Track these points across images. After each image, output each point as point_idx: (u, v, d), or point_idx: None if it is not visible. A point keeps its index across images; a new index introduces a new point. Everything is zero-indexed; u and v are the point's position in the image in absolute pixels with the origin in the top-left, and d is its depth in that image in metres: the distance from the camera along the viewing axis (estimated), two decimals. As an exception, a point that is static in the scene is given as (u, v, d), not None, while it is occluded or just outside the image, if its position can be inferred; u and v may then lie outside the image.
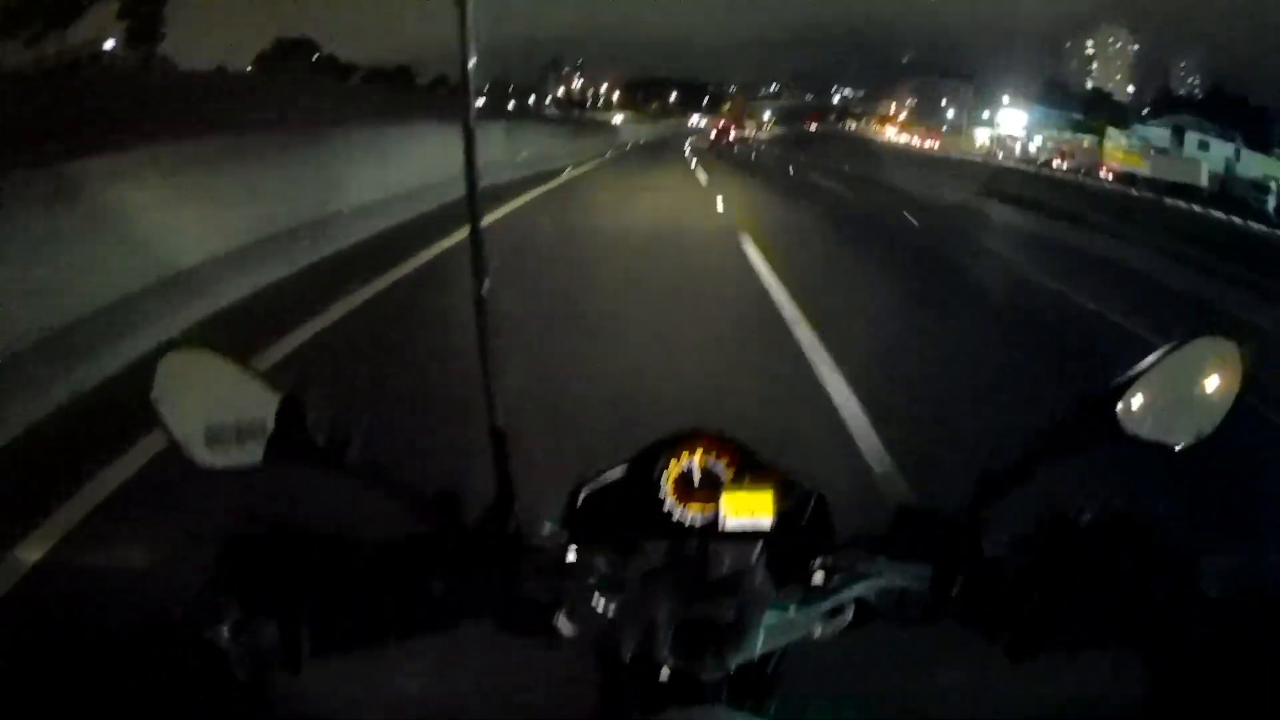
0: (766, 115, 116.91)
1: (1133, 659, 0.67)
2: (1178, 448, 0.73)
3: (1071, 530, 0.72)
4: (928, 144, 60.55)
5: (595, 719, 0.80)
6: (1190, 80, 78.90)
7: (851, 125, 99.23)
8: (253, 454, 0.74)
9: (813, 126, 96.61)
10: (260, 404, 0.73)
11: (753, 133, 47.94)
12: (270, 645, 0.68)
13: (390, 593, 0.74)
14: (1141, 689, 0.65)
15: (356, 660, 0.74)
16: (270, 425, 0.73)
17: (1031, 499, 0.75)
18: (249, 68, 59.78)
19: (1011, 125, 61.88)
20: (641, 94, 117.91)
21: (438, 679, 2.18)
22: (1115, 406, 0.71)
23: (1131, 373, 0.72)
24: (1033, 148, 56.37)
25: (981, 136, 64.97)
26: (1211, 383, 0.72)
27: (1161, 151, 41.31)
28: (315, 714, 0.76)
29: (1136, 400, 0.71)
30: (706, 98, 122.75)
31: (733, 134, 46.41)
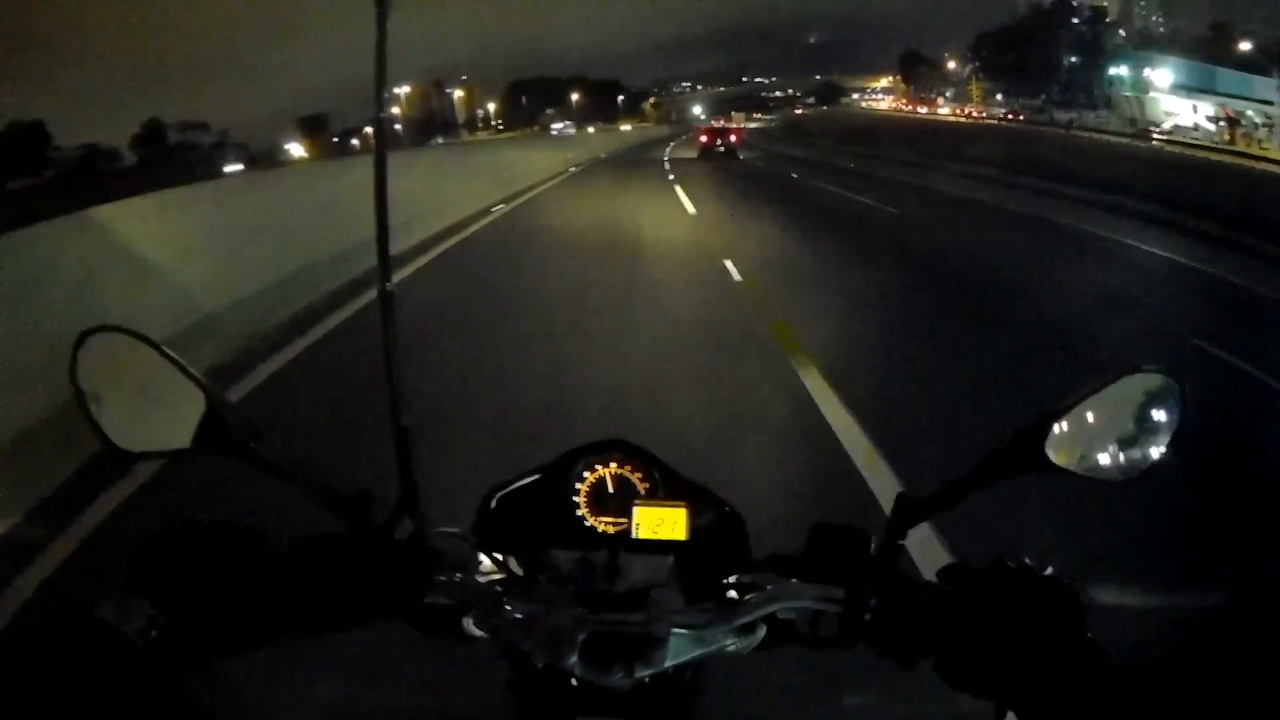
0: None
1: (1031, 705, 0.65)
2: (1109, 479, 0.70)
3: (979, 575, 0.71)
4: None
5: (500, 717, 0.79)
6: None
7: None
8: (177, 441, 0.72)
9: (798, 111, 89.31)
10: (186, 391, 0.71)
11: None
12: (184, 644, 0.66)
13: (303, 592, 0.73)
14: None
15: (269, 659, 0.72)
16: (197, 413, 0.71)
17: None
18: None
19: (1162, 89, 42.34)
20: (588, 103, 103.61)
21: (350, 677, 2.16)
22: (1043, 437, 0.69)
23: (1063, 402, 0.70)
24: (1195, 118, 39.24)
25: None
26: (1146, 419, 0.70)
27: None
28: (229, 712, 0.74)
29: (1066, 431, 0.70)
30: (621, 97, 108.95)
31: (717, 138, 34.36)
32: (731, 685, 0.85)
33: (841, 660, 0.77)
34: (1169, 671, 0.61)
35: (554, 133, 64.59)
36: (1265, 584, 2.68)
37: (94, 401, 0.71)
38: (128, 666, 0.63)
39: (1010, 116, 49.97)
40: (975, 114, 54.94)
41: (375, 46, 0.79)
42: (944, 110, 62.84)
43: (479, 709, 0.90)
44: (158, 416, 0.72)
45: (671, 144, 46.68)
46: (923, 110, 65.10)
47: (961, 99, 65.98)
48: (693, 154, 33.82)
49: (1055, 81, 52.16)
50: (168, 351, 0.71)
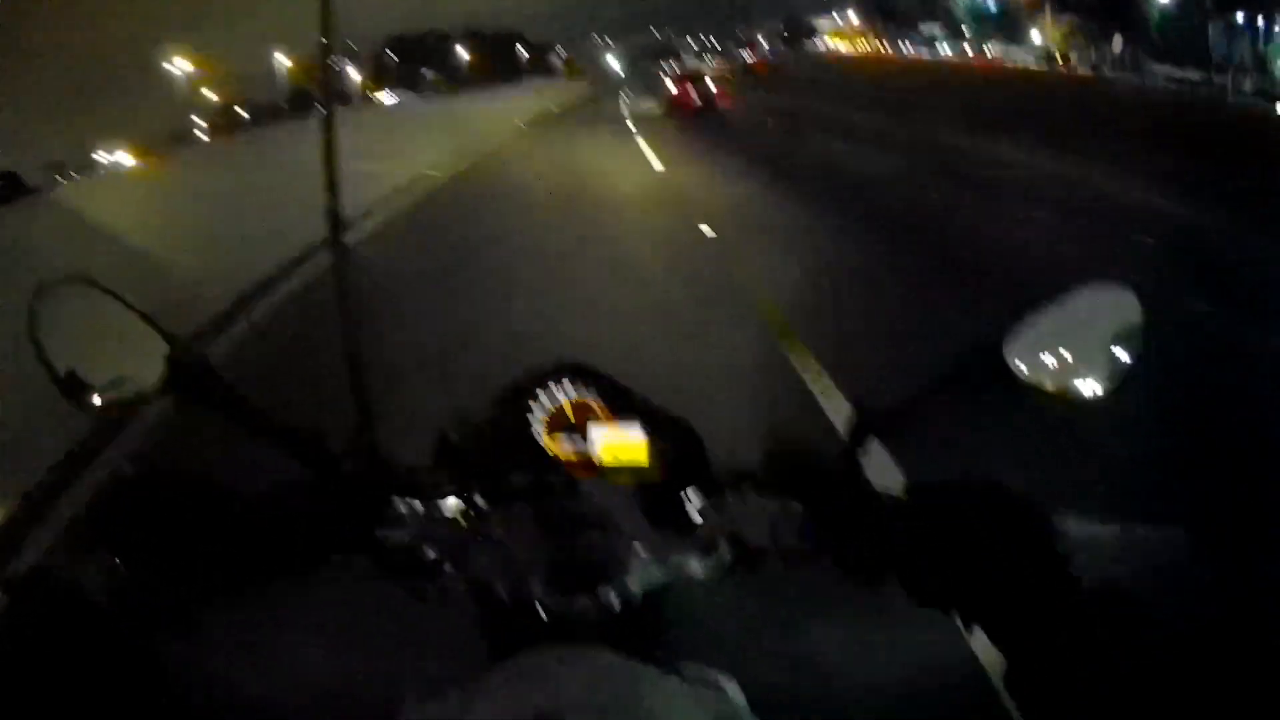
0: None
1: (997, 620, 0.65)
2: (1075, 396, 0.69)
3: (945, 490, 0.70)
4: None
5: (474, 658, 0.79)
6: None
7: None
8: (139, 389, 0.70)
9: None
10: (147, 339, 0.70)
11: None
12: (148, 598, 0.64)
13: (263, 534, 0.71)
14: (1003, 649, 0.64)
15: (234, 611, 0.70)
16: (159, 360, 0.70)
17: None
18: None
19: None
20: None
21: (318, 623, 2.13)
22: (1004, 348, 0.69)
23: (1023, 315, 0.69)
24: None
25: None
26: (1110, 334, 0.69)
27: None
28: (196, 671, 0.72)
29: (1027, 344, 0.69)
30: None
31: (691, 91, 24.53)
32: (701, 611, 0.85)
33: (811, 583, 0.77)
34: (1136, 589, 0.62)
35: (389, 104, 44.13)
36: (1232, 514, 2.73)
37: (55, 353, 0.69)
38: (93, 630, 0.61)
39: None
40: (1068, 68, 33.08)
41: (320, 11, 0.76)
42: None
43: (451, 650, 0.90)
44: (120, 365, 0.70)
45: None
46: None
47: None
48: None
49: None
50: (127, 300, 0.70)
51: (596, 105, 34.11)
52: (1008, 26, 42.42)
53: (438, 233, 9.04)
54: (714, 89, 25.52)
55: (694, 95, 24.70)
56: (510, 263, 7.28)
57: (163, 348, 0.70)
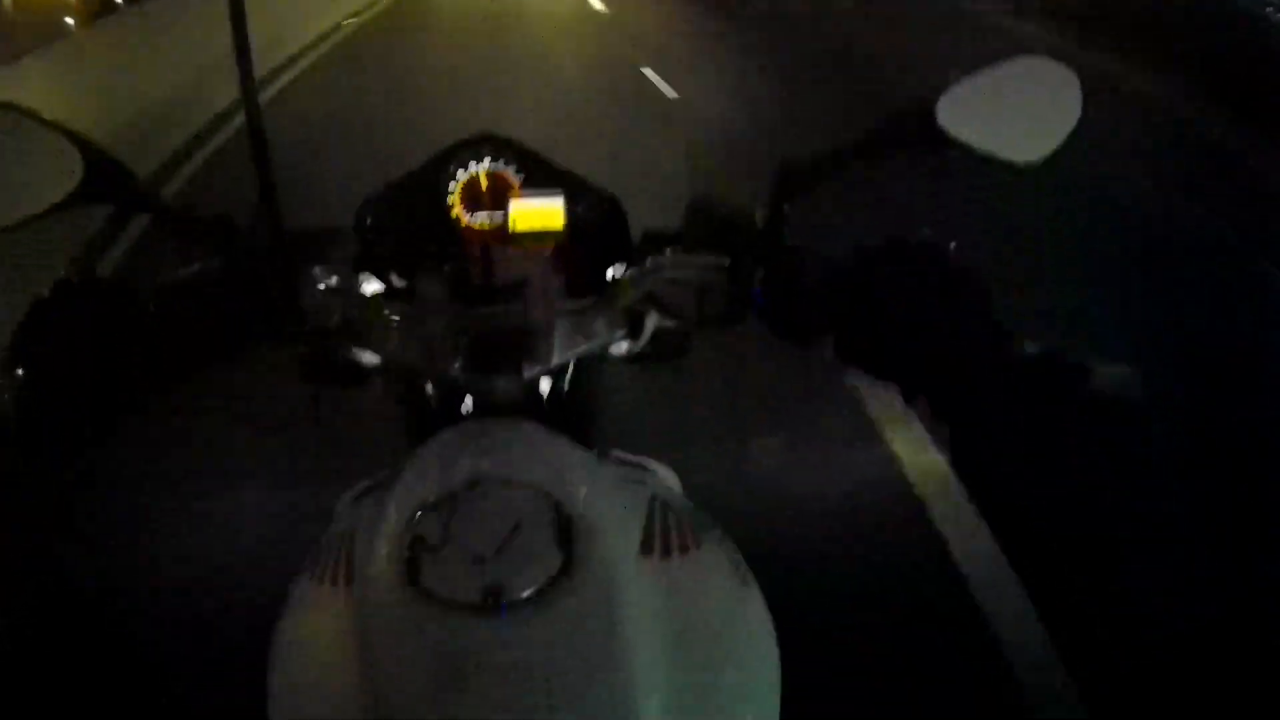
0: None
1: (938, 391, 0.64)
2: (1005, 160, 0.67)
3: (877, 248, 0.68)
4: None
5: (401, 439, 0.78)
6: None
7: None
8: (56, 198, 0.63)
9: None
10: (61, 149, 0.63)
11: None
12: (57, 418, 0.61)
13: (175, 336, 0.67)
14: (947, 420, 0.63)
15: (157, 415, 0.67)
16: (75, 169, 0.63)
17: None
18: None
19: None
20: None
21: (239, 415, 2.15)
22: (934, 105, 0.65)
23: (956, 75, 0.66)
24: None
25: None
26: (1045, 104, 0.68)
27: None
28: (116, 486, 0.69)
29: (958, 102, 0.66)
30: None
31: None
32: (633, 403, 0.84)
33: (741, 354, 0.77)
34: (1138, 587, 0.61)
35: None
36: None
37: None
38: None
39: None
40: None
41: None
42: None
43: (371, 428, 0.89)
44: (35, 180, 0.64)
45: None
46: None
47: None
48: None
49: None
50: (34, 112, 0.63)
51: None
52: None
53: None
54: None
55: None
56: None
57: (76, 155, 0.63)
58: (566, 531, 0.53)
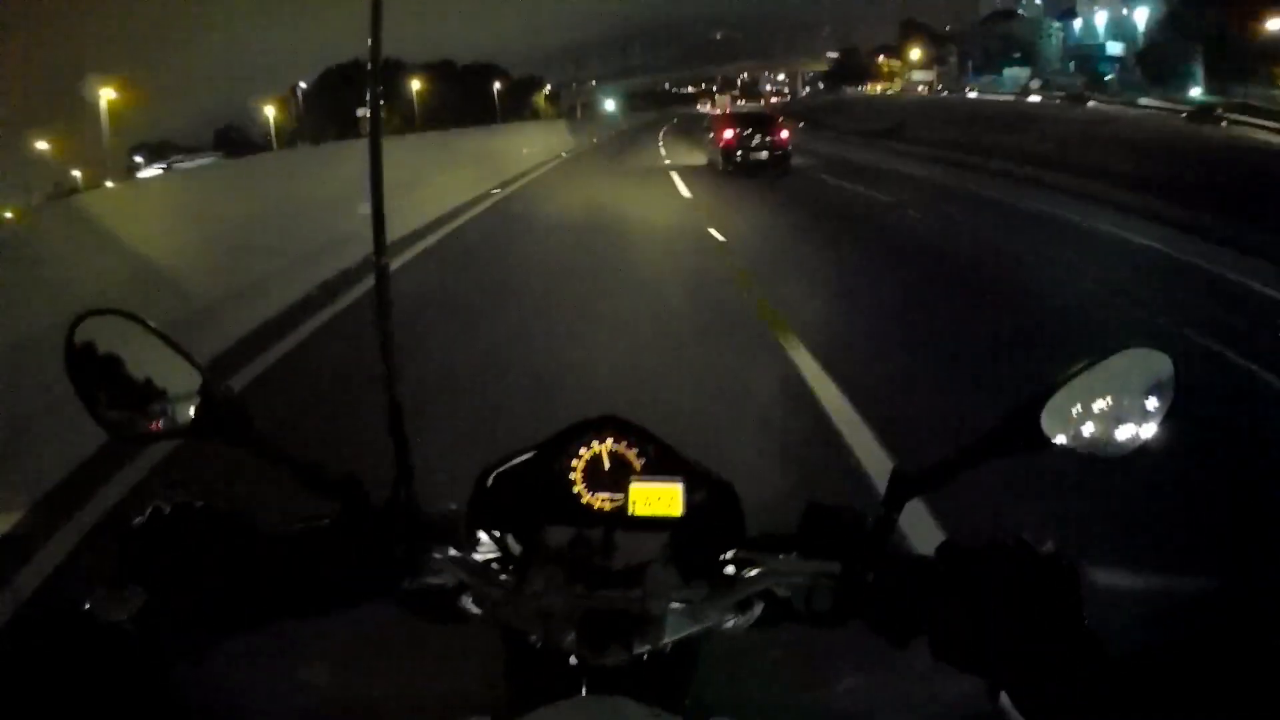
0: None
1: (1023, 688, 0.64)
2: (1106, 456, 0.70)
3: (975, 551, 0.70)
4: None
5: (501, 703, 0.79)
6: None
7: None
8: (174, 425, 0.71)
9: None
10: (182, 374, 0.70)
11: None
12: (172, 633, 0.65)
13: (294, 573, 0.72)
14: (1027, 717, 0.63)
15: (261, 646, 0.71)
16: (193, 396, 0.70)
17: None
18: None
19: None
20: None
21: (343, 664, 2.15)
22: (1039, 412, 0.69)
23: (1057, 379, 0.70)
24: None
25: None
26: (1141, 394, 0.70)
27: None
28: (219, 701, 0.73)
29: (1061, 407, 0.69)
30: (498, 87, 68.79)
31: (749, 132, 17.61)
32: (728, 662, 0.84)
33: (836, 638, 0.77)
34: (1164, 659, 0.60)
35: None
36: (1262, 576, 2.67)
37: (91, 386, 0.70)
38: (118, 655, 0.62)
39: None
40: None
41: (370, 30, 0.80)
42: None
43: (475, 693, 0.90)
44: (155, 400, 0.71)
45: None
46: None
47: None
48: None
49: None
50: (164, 334, 0.71)
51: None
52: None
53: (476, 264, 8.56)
54: (783, 136, 18.13)
55: (752, 139, 17.79)
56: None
57: (196, 381, 0.71)
58: None
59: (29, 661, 0.60)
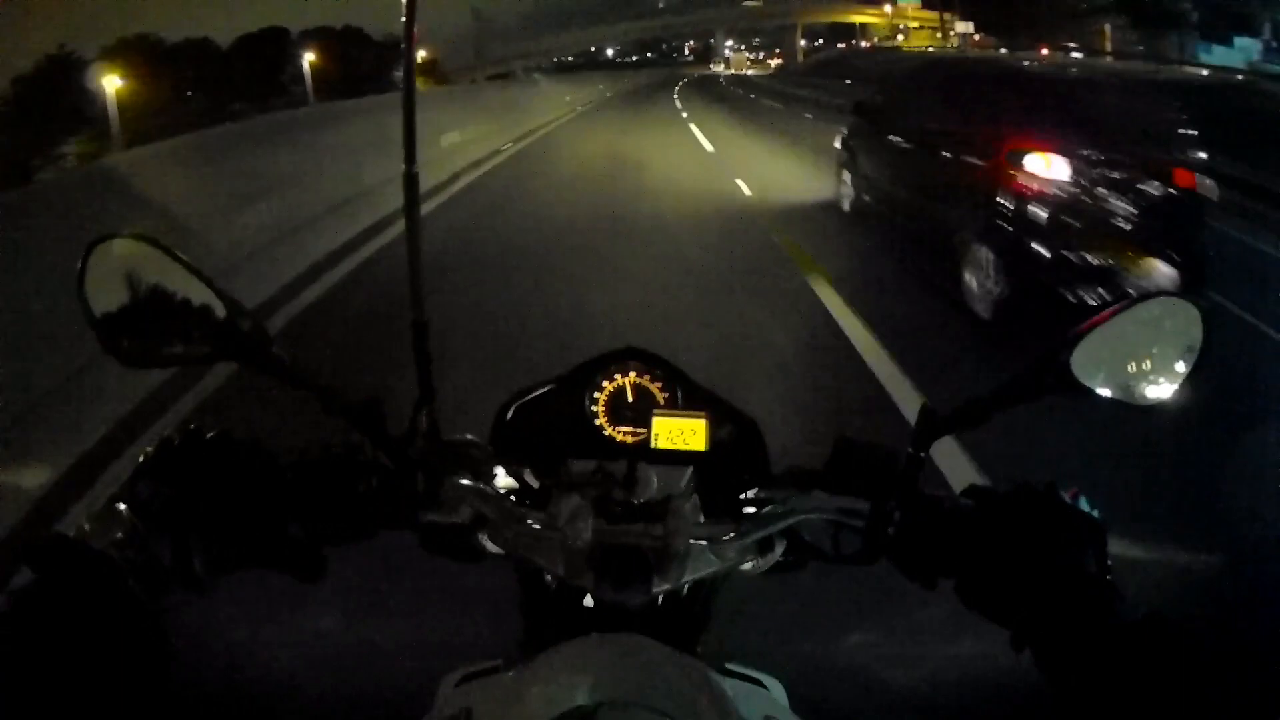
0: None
1: (1047, 645, 0.63)
2: (1135, 403, 0.69)
3: (1005, 496, 0.69)
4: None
5: (517, 640, 0.78)
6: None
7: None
8: (191, 349, 0.68)
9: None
10: (201, 297, 0.67)
11: None
12: (170, 562, 0.62)
13: (310, 502, 0.69)
14: (1048, 675, 0.62)
15: (270, 578, 0.69)
16: (212, 320, 0.67)
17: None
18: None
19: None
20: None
21: (355, 597, 2.13)
22: (1069, 355, 0.68)
23: (1087, 323, 0.69)
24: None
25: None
26: (1171, 343, 0.69)
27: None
28: (222, 636, 0.72)
29: (1090, 351, 0.69)
30: None
31: None
32: (740, 611, 0.82)
33: (859, 581, 0.75)
34: (1182, 622, 0.59)
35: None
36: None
37: (104, 311, 0.66)
38: (106, 583, 0.59)
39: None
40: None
41: None
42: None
43: (488, 631, 0.89)
44: (172, 325, 0.68)
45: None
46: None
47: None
48: None
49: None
50: (182, 257, 0.67)
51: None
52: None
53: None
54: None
55: None
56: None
57: (214, 305, 0.68)
58: None
59: (11, 598, 0.56)
